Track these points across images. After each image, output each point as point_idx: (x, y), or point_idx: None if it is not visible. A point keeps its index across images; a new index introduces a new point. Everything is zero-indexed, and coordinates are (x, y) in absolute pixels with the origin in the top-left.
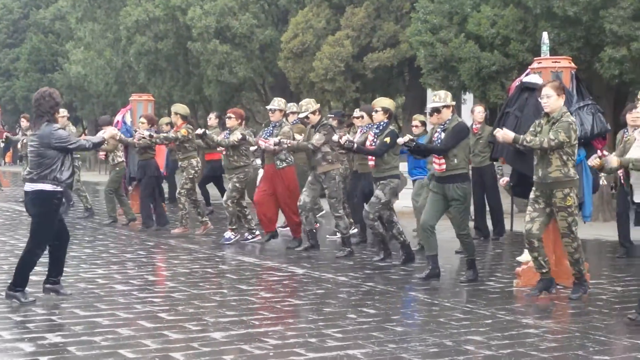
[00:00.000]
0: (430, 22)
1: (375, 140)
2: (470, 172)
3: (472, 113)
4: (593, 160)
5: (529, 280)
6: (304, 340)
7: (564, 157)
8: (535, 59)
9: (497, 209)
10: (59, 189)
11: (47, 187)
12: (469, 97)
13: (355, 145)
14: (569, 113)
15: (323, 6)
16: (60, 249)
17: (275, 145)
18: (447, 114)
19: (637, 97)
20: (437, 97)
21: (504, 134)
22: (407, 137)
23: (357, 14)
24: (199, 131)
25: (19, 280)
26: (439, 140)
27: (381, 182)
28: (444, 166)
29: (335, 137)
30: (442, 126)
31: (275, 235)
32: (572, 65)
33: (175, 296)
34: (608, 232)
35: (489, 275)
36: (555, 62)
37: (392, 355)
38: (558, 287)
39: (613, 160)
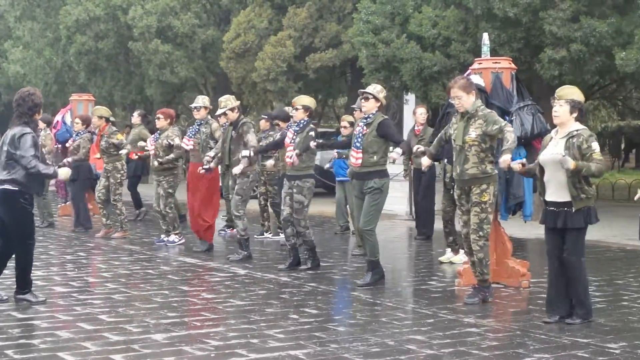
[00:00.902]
0: (372, 22)
1: (294, 137)
2: (412, 172)
3: (414, 114)
4: (515, 165)
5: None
6: (245, 341)
7: (482, 155)
8: (475, 59)
9: (428, 210)
10: (25, 189)
11: (11, 187)
12: (411, 97)
13: (297, 152)
14: (483, 106)
15: (265, 6)
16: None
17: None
18: (373, 106)
19: (553, 96)
20: (372, 88)
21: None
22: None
23: (299, 14)
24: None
25: (23, 283)
26: (361, 134)
27: (296, 182)
28: (359, 161)
29: (244, 152)
30: (364, 120)
31: (211, 247)
32: (512, 66)
33: (115, 298)
34: None
35: (431, 274)
36: (496, 62)
37: (333, 355)
38: (499, 286)
39: (570, 161)
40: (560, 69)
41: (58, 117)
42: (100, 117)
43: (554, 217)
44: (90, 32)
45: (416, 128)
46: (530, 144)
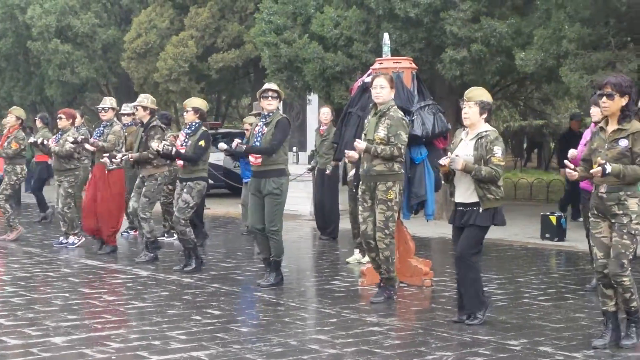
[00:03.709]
0: (274, 22)
1: (186, 140)
2: (316, 172)
3: (319, 115)
4: (443, 160)
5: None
6: (147, 343)
7: None
8: (377, 59)
9: (333, 211)
10: None
11: None
12: (313, 97)
13: (174, 150)
14: (396, 106)
15: (166, 6)
16: None
17: (118, 161)
18: (275, 104)
19: (464, 96)
20: (274, 85)
21: (356, 145)
22: (236, 142)
23: (201, 14)
24: (33, 139)
25: None
26: (260, 134)
27: (188, 183)
28: (259, 160)
29: (154, 145)
30: (263, 119)
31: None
32: (413, 65)
33: (14, 301)
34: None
35: (334, 274)
36: (397, 62)
37: (236, 356)
38: (402, 285)
39: (459, 161)
40: (462, 69)
41: None
42: (18, 118)
43: (460, 217)
44: None
45: (321, 128)
46: (431, 143)
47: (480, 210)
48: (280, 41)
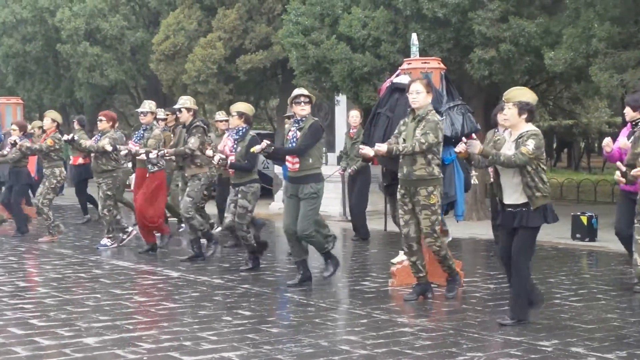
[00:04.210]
0: (302, 23)
1: (235, 146)
2: (347, 175)
3: (348, 117)
4: (459, 147)
5: (404, 279)
6: (178, 344)
7: (429, 156)
8: (405, 60)
9: (359, 212)
10: None
11: None
12: (342, 98)
13: (229, 162)
14: (434, 111)
15: (194, 8)
16: None
17: (154, 157)
18: (307, 109)
19: (503, 98)
20: (305, 90)
21: (377, 149)
22: (264, 143)
23: (228, 15)
24: (67, 137)
25: None
26: (294, 139)
27: (241, 188)
28: (297, 165)
29: (212, 155)
30: (297, 124)
31: (155, 248)
32: (442, 65)
33: (47, 302)
34: (482, 230)
35: (365, 275)
36: (425, 62)
37: (267, 356)
38: (433, 286)
39: (476, 145)
40: (490, 69)
41: None
42: (54, 121)
43: (511, 218)
44: (17, 35)
45: (350, 131)
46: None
47: (532, 209)
48: (308, 42)
